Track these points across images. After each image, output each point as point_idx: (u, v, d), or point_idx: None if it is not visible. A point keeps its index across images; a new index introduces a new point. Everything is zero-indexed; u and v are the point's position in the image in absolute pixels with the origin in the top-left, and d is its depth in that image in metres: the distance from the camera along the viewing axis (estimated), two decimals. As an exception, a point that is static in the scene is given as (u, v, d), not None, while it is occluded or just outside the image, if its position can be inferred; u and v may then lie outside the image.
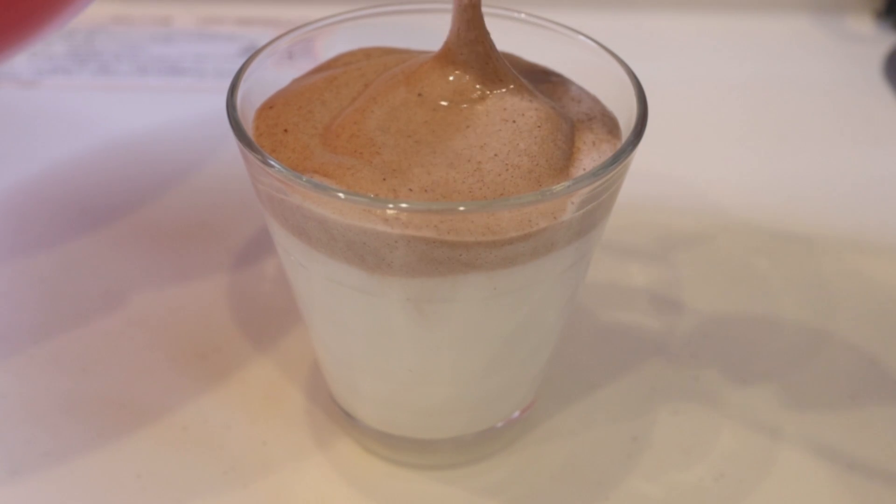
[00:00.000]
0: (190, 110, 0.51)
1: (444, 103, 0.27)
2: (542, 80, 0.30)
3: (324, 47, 0.31)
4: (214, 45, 0.57)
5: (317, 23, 0.31)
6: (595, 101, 0.29)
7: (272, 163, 0.24)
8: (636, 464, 0.32)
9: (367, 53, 0.31)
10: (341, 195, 0.23)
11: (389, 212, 0.24)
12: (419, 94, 0.28)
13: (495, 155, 0.26)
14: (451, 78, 0.28)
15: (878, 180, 0.48)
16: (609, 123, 0.28)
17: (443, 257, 0.24)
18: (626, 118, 0.28)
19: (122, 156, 0.48)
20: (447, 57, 0.27)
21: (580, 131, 0.28)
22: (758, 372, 0.36)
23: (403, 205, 0.24)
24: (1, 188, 0.45)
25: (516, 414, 0.32)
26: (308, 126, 0.28)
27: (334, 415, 0.34)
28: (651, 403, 0.35)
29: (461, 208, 0.23)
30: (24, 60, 0.54)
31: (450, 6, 0.27)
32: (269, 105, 0.29)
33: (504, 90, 0.27)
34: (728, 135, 0.52)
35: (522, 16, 0.31)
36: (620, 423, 0.34)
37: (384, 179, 0.25)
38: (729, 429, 0.34)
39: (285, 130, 0.27)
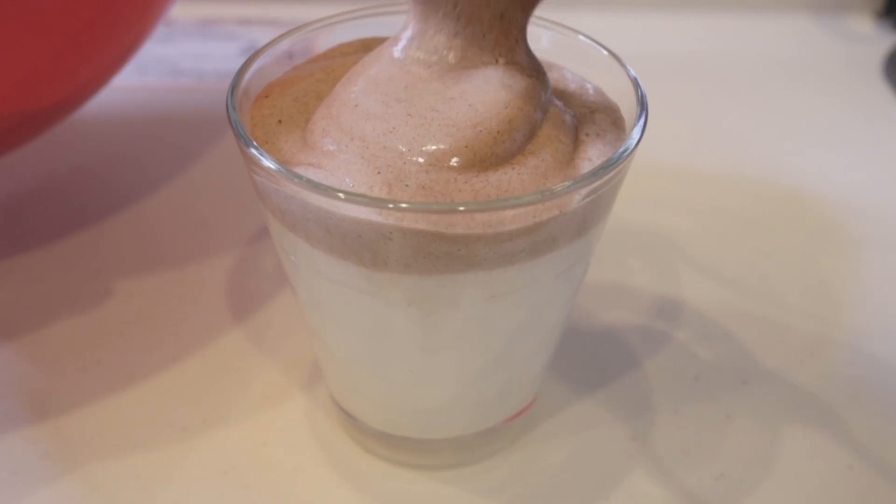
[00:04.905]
0: (190, 110, 0.51)
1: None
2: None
3: (324, 47, 0.31)
4: (214, 45, 0.57)
5: (317, 23, 0.31)
6: (598, 92, 0.29)
7: (270, 163, 0.24)
8: (636, 464, 0.32)
9: (365, 45, 0.31)
10: (341, 195, 0.23)
11: (388, 212, 0.23)
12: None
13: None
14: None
15: (878, 180, 0.48)
16: (612, 114, 0.28)
17: (440, 251, 0.24)
18: (625, 119, 0.28)
19: (121, 155, 0.48)
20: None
21: (583, 123, 0.28)
22: (758, 372, 0.36)
23: (403, 205, 0.23)
24: (1, 187, 0.45)
25: (516, 414, 0.32)
26: (302, 118, 0.27)
27: (334, 415, 0.34)
28: (651, 403, 0.35)
29: (461, 208, 0.23)
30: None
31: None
32: (265, 94, 0.28)
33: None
34: (728, 134, 0.52)
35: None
36: (620, 423, 0.34)
37: (378, 173, 0.24)
38: (729, 429, 0.34)
39: (279, 121, 0.27)
